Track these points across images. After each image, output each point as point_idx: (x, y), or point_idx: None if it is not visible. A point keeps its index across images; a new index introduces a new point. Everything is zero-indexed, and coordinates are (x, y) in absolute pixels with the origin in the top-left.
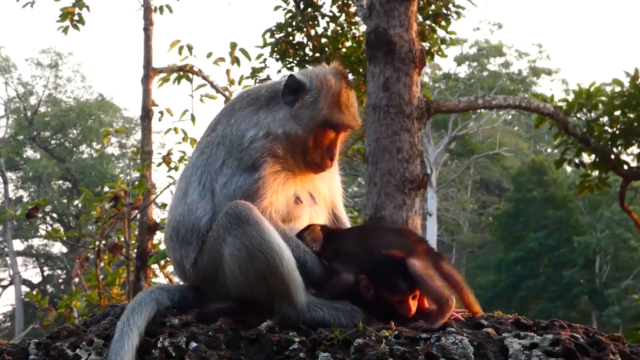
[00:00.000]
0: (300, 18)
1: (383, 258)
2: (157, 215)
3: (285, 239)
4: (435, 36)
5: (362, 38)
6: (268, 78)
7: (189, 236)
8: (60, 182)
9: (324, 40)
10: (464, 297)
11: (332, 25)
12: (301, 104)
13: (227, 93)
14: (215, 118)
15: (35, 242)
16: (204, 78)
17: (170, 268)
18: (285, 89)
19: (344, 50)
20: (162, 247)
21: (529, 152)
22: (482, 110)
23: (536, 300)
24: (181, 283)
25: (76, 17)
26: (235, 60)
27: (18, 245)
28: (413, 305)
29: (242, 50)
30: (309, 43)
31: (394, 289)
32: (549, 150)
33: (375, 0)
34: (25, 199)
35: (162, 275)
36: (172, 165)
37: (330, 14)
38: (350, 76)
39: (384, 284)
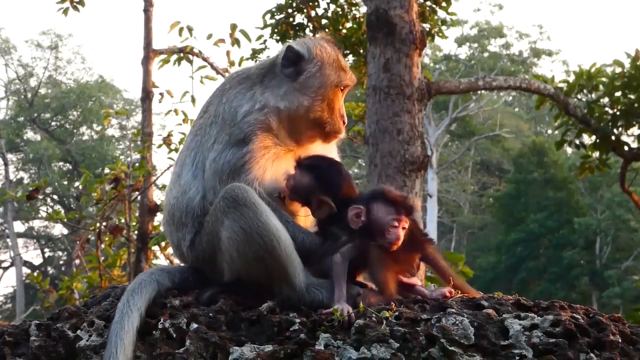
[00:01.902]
0: None
1: (383, 187)
2: (158, 196)
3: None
4: (435, 17)
5: (362, 19)
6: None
7: (183, 218)
8: (61, 163)
9: (324, 21)
10: (450, 282)
11: (332, 7)
12: (307, 74)
13: (227, 74)
14: (207, 101)
15: (36, 223)
16: (204, 59)
17: (170, 250)
18: (284, 61)
19: (344, 31)
20: (164, 228)
21: (530, 134)
22: (483, 91)
23: (536, 282)
24: (182, 264)
25: None
26: (236, 42)
27: (19, 227)
28: (402, 234)
29: (243, 32)
30: (309, 24)
31: (388, 208)
32: (550, 131)
33: None
34: (25, 181)
35: (163, 257)
36: (173, 146)
37: None
38: (351, 57)
39: (379, 204)
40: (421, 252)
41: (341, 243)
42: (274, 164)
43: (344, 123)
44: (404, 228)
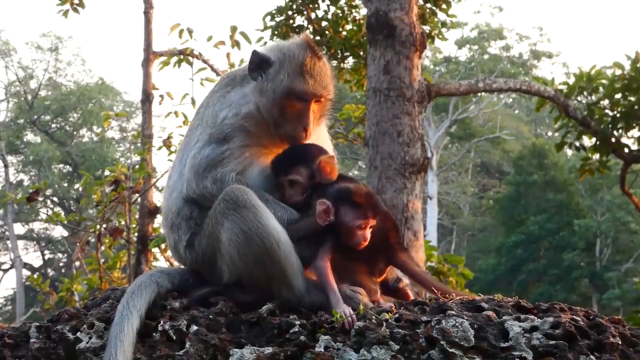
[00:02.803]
0: (300, 1)
1: (350, 187)
2: (158, 199)
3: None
4: (435, 19)
5: (362, 21)
6: None
7: (175, 219)
8: (61, 165)
9: (324, 23)
10: (425, 286)
11: (332, 9)
12: (265, 77)
13: None
14: (200, 104)
15: (36, 225)
16: (204, 61)
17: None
18: (250, 65)
19: (344, 33)
20: (162, 231)
21: (530, 136)
22: (483, 93)
23: (536, 284)
24: (181, 266)
25: (76, 1)
26: (236, 44)
27: (19, 229)
28: (368, 235)
29: (243, 34)
30: (309, 26)
31: (355, 211)
32: (550, 133)
33: None
34: (25, 183)
35: (163, 259)
36: (173, 148)
37: None
38: (351, 59)
39: (346, 207)
40: (389, 258)
41: (313, 244)
42: (258, 162)
43: (304, 131)
44: (371, 227)
